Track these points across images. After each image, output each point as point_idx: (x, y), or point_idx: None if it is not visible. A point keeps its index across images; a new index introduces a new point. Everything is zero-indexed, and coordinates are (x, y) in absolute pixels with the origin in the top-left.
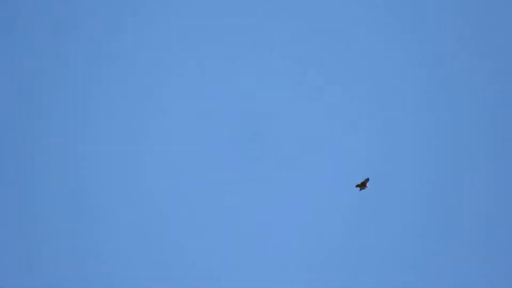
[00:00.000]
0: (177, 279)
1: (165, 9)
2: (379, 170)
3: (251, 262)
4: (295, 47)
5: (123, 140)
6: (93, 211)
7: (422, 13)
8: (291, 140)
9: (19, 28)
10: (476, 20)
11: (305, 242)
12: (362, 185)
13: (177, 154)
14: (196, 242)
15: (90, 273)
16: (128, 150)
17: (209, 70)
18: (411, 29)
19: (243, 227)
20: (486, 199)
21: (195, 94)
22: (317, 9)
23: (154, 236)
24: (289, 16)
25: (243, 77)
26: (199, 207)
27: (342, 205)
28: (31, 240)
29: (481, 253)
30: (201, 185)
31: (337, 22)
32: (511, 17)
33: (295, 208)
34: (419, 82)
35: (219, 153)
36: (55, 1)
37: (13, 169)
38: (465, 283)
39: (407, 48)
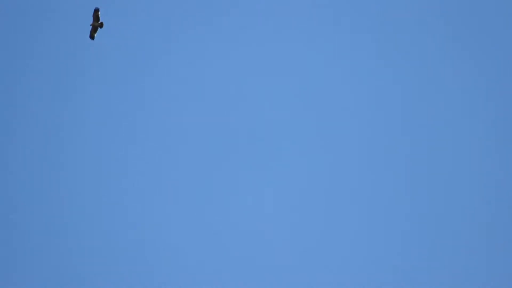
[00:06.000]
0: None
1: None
2: (375, 171)
3: (244, 264)
4: (293, 49)
5: (118, 136)
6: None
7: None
8: (286, 141)
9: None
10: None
11: (298, 242)
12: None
13: (172, 154)
14: (187, 243)
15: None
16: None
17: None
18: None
19: (234, 229)
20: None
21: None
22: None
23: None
24: (287, 18)
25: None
26: (188, 209)
27: (337, 206)
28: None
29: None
30: (193, 185)
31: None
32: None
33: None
34: (413, 85)
35: (213, 155)
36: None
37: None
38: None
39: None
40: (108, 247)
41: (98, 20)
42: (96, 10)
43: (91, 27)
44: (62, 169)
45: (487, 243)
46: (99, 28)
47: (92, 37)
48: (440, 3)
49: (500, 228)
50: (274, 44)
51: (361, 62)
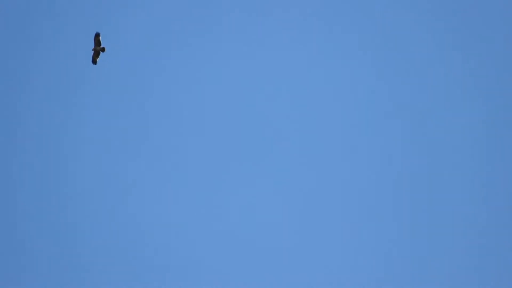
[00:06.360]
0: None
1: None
2: (374, 172)
3: (243, 261)
4: (292, 49)
5: (114, 135)
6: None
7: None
8: (285, 140)
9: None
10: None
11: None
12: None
13: (170, 153)
14: (184, 240)
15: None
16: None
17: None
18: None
19: (234, 226)
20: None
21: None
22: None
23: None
24: (286, 16)
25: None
26: (189, 206)
27: (338, 205)
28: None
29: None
30: (193, 184)
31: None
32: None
33: (291, 208)
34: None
35: (213, 152)
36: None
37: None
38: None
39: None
40: (108, 247)
41: (100, 44)
42: (97, 35)
43: (92, 51)
44: (62, 169)
45: (487, 243)
46: (101, 52)
47: (94, 61)
48: (440, 3)
49: (500, 228)
50: (274, 44)
51: (360, 62)
